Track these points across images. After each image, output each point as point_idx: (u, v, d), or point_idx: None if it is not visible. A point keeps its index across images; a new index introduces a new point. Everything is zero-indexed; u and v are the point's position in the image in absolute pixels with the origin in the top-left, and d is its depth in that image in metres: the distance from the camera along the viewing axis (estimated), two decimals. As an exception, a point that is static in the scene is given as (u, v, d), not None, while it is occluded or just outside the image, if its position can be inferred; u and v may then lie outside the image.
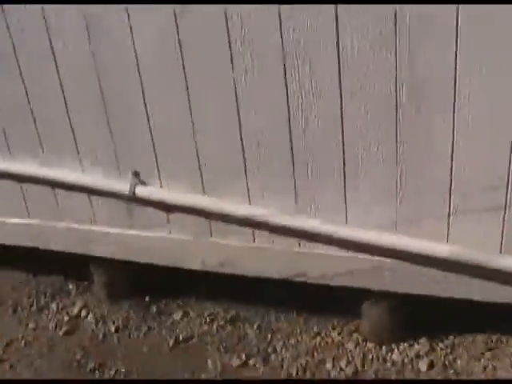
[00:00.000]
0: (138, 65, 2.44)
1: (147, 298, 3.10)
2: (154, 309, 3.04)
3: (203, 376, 2.64)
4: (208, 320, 2.92)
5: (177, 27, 2.30)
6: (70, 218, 2.96)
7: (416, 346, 2.63)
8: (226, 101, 2.35)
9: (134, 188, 2.66)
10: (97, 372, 2.75)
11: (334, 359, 2.64)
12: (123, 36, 2.40)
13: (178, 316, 2.98)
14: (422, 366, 2.54)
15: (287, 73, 2.21)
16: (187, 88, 2.40)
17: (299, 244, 2.57)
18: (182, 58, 2.34)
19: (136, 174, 2.68)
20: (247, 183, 2.52)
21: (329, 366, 2.61)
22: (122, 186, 2.68)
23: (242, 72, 2.28)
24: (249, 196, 2.54)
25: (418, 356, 2.59)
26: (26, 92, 2.72)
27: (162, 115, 2.51)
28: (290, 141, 2.36)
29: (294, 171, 2.41)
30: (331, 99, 2.20)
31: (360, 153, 2.28)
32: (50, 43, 2.56)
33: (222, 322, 2.90)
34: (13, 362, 2.92)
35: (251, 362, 2.67)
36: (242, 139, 2.43)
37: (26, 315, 3.17)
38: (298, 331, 2.81)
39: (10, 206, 3.07)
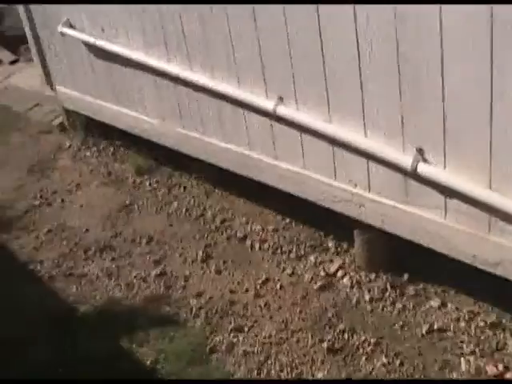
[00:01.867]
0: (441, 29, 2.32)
1: (406, 276, 3.10)
2: (411, 289, 3.04)
3: (454, 375, 2.60)
4: (466, 317, 2.85)
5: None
6: (344, 179, 3.01)
7: None
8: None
9: (417, 164, 2.60)
10: (346, 335, 2.85)
11: None
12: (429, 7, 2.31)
13: (435, 303, 2.94)
14: None
15: None
16: (491, 66, 2.23)
17: None
18: (492, 32, 2.18)
19: (420, 151, 2.61)
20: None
21: None
22: (404, 159, 2.65)
23: None
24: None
25: None
26: (322, 45, 2.75)
27: (458, 95, 2.38)
28: None
29: None
30: None
31: None
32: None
33: (481, 324, 2.81)
34: (267, 300, 3.13)
35: (508, 375, 2.56)
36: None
37: (285, 260, 3.36)
38: None
39: (288, 154, 3.21)
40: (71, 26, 4.20)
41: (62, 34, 4.24)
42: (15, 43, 6.19)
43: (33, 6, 4.50)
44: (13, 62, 6.14)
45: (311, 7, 2.70)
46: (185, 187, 4.10)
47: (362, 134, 2.83)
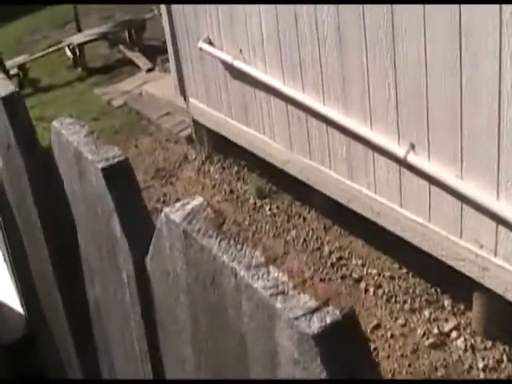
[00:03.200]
0: None
1: (526, 353, 3.05)
2: (530, 366, 2.99)
3: None
4: None
5: None
6: (469, 239, 2.95)
7: None
8: None
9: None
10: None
11: None
12: None
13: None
14: None
15: None
16: None
17: None
18: None
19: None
20: None
21: None
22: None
23: None
24: None
25: None
26: (462, 101, 2.71)
27: None
28: None
29: None
30: None
31: None
32: None
33: None
34: (377, 345, 3.15)
35: None
36: None
37: (398, 309, 3.37)
38: None
39: (414, 203, 3.18)
40: (211, 43, 4.35)
41: (201, 50, 4.40)
42: (153, 53, 6.56)
43: (176, 21, 4.68)
44: (149, 70, 6.48)
45: (455, 58, 2.68)
46: (304, 218, 4.17)
47: (495, 196, 2.78)
